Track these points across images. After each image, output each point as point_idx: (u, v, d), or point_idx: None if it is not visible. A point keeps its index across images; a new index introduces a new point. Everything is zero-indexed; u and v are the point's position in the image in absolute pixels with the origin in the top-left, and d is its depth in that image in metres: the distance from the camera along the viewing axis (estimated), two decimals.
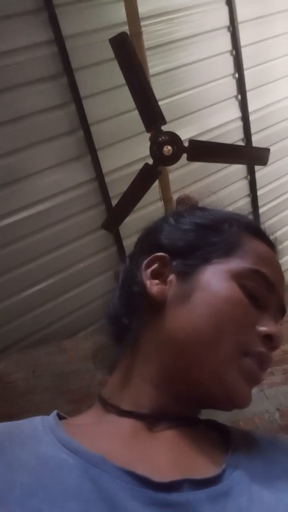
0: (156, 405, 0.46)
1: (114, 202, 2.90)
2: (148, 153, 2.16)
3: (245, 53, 3.23)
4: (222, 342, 0.44)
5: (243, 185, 3.75)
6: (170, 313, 0.47)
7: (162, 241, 0.52)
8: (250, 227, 0.52)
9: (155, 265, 0.51)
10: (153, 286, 0.49)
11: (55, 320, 3.24)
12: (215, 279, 0.47)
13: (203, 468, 0.39)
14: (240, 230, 0.51)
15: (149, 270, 0.50)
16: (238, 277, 0.46)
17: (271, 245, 0.53)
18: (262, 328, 0.46)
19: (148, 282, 0.49)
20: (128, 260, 0.56)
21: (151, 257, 0.51)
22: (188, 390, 0.46)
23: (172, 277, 0.50)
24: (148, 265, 0.51)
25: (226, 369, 0.44)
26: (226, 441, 0.46)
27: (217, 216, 0.53)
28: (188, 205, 0.58)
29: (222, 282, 0.46)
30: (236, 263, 0.47)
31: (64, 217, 2.98)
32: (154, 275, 0.50)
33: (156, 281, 0.50)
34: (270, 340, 0.46)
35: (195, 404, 0.47)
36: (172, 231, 0.53)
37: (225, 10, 3.06)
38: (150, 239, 0.55)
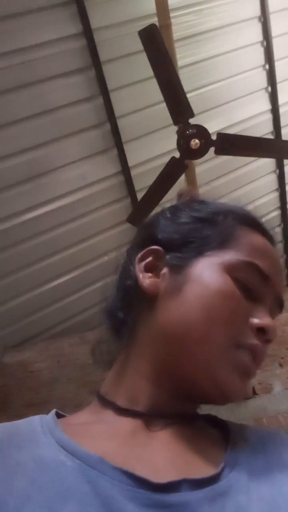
0: (152, 400, 0.46)
1: (139, 195, 2.90)
2: (175, 146, 2.14)
3: (276, 43, 3.14)
4: (212, 335, 0.43)
5: (271, 179, 3.68)
6: (162, 306, 0.47)
7: (158, 235, 0.52)
8: (247, 219, 0.51)
9: (149, 259, 0.51)
10: (145, 279, 0.49)
11: (79, 312, 3.28)
12: (207, 271, 0.46)
13: (202, 468, 0.39)
14: (236, 222, 0.50)
15: (143, 264, 0.50)
16: (231, 270, 0.46)
17: (269, 237, 0.51)
18: (255, 320, 0.45)
19: (140, 275, 0.49)
20: (125, 254, 0.56)
21: (145, 250, 0.51)
22: (181, 384, 0.45)
23: (165, 270, 0.49)
24: (142, 259, 0.51)
25: (217, 362, 0.43)
26: (225, 438, 0.45)
27: (213, 209, 0.52)
28: (188, 199, 0.57)
29: (214, 274, 0.45)
30: (229, 255, 0.47)
31: (89, 210, 3.01)
32: (148, 269, 0.50)
33: (149, 274, 0.50)
34: (263, 332, 0.45)
35: (191, 398, 0.47)
36: (168, 224, 0.52)
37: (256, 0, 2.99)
38: (146, 232, 0.55)
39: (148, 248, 0.51)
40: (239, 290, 0.45)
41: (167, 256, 0.50)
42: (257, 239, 0.49)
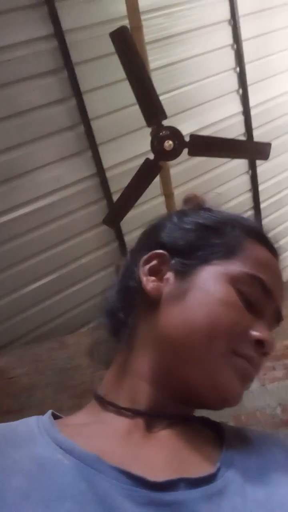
0: (151, 402, 0.46)
1: (115, 197, 2.90)
2: (149, 148, 2.15)
3: (246, 47, 3.21)
4: (213, 343, 0.44)
5: (244, 180, 3.74)
6: (164, 310, 0.48)
7: (164, 239, 0.52)
8: (253, 232, 0.52)
9: (154, 262, 0.51)
10: (149, 283, 0.49)
11: (57, 315, 3.25)
12: (212, 280, 0.47)
13: (198, 467, 0.40)
14: (242, 234, 0.50)
15: (147, 267, 0.51)
16: (235, 281, 0.47)
17: (274, 251, 0.52)
18: (254, 333, 0.46)
19: (144, 278, 0.50)
20: (129, 255, 0.56)
21: (150, 253, 0.51)
22: (180, 387, 0.46)
23: (169, 275, 0.50)
24: (147, 262, 0.51)
25: (217, 366, 0.44)
26: (220, 439, 0.46)
27: (221, 218, 0.52)
28: (194, 205, 0.57)
29: (218, 284, 0.46)
30: (234, 267, 0.47)
31: (65, 212, 2.98)
32: (152, 272, 0.51)
33: (153, 277, 0.50)
34: (261, 345, 0.46)
35: (189, 402, 0.47)
36: (174, 229, 0.53)
37: (226, 3, 3.04)
38: (152, 235, 0.55)
39: (154, 252, 0.51)
40: (241, 301, 0.46)
41: (172, 261, 0.50)
42: (263, 252, 0.50)
